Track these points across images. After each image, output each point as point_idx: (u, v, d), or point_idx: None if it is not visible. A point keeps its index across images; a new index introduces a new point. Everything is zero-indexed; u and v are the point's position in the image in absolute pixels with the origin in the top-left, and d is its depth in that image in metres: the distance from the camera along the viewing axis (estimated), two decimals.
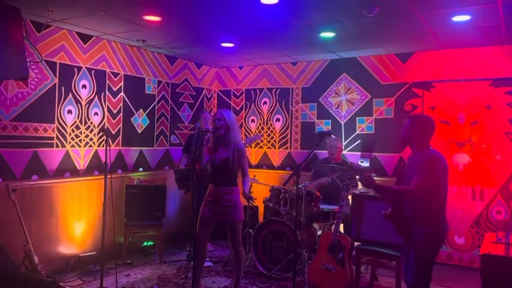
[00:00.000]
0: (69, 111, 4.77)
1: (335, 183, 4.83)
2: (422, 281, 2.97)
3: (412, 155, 3.17)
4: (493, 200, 4.92)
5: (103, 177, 3.78)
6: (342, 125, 5.88)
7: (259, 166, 6.56)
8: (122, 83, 5.38)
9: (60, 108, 4.68)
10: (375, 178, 5.49)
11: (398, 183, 3.22)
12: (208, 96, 6.92)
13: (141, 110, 5.67)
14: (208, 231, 3.86)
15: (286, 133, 6.36)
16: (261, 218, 5.83)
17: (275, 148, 6.45)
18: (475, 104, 5.04)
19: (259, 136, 6.44)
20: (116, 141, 5.33)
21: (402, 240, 3.18)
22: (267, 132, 6.53)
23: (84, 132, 4.93)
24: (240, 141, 3.87)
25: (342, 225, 4.60)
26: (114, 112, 5.30)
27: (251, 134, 6.64)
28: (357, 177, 4.26)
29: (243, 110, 6.76)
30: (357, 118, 5.77)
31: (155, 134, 5.90)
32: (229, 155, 3.71)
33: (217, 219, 3.82)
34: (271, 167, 6.47)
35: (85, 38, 4.90)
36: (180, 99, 6.32)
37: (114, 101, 5.29)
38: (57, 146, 4.65)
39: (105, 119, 5.18)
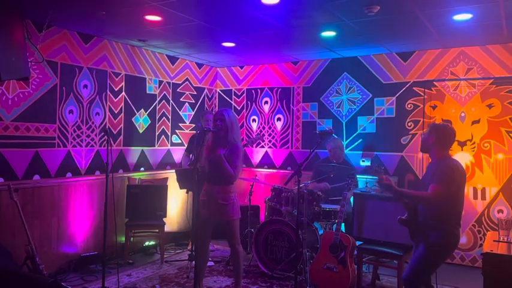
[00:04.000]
0: (71, 111, 4.78)
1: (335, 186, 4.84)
2: (416, 277, 3.02)
3: (431, 162, 3.23)
4: (495, 199, 4.91)
5: (104, 177, 3.78)
6: (343, 124, 5.88)
7: (260, 166, 6.56)
8: (123, 83, 5.39)
9: (62, 108, 4.68)
10: (374, 178, 5.53)
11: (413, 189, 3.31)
12: (210, 96, 6.92)
13: (142, 109, 5.67)
14: (208, 231, 3.85)
15: (287, 132, 6.36)
16: (262, 218, 5.83)
17: (276, 147, 6.45)
18: (476, 102, 5.03)
19: (261, 137, 6.45)
20: (117, 141, 5.34)
21: (414, 245, 3.23)
22: (268, 131, 6.53)
23: (86, 132, 4.94)
24: (239, 141, 3.85)
25: (343, 225, 4.61)
26: (116, 112, 5.30)
27: (252, 134, 6.64)
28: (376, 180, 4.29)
29: (244, 110, 6.76)
30: (358, 117, 5.77)
31: (156, 133, 5.91)
32: (227, 154, 3.70)
33: (214, 218, 3.80)
34: (272, 166, 6.47)
35: (86, 38, 4.91)
36: (181, 99, 6.32)
37: (115, 100, 5.29)
38: (59, 146, 4.66)
39: (107, 119, 5.19)
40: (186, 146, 5.97)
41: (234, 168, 3.69)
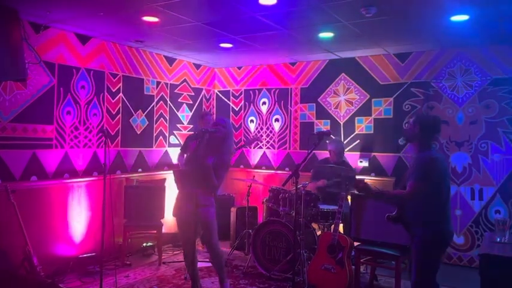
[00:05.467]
0: (68, 112, 4.77)
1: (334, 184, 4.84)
2: (423, 282, 2.95)
3: (414, 155, 3.12)
4: (492, 200, 4.92)
5: (102, 178, 3.77)
6: (341, 125, 5.88)
7: (258, 167, 6.56)
8: (120, 84, 5.38)
9: (59, 109, 4.67)
10: (372, 179, 5.52)
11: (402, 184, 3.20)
12: (207, 97, 6.91)
13: (140, 110, 5.67)
14: (191, 233, 3.74)
15: (285, 133, 6.36)
16: (260, 219, 5.83)
17: (274, 148, 6.45)
18: (474, 103, 5.05)
19: (258, 137, 6.44)
20: (115, 142, 5.33)
21: (410, 241, 3.13)
22: (266, 132, 6.53)
23: (83, 133, 4.93)
24: (230, 153, 3.82)
25: (341, 225, 4.61)
26: (113, 113, 5.29)
27: (250, 135, 6.64)
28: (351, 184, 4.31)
29: (242, 111, 6.76)
30: (356, 118, 5.78)
31: (154, 134, 5.90)
32: (214, 164, 3.62)
33: (195, 220, 3.68)
34: (270, 167, 6.47)
35: (84, 38, 4.90)
36: (179, 100, 6.32)
37: (113, 101, 5.28)
38: (56, 147, 4.65)
39: (104, 120, 5.18)
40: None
41: (220, 180, 3.66)
